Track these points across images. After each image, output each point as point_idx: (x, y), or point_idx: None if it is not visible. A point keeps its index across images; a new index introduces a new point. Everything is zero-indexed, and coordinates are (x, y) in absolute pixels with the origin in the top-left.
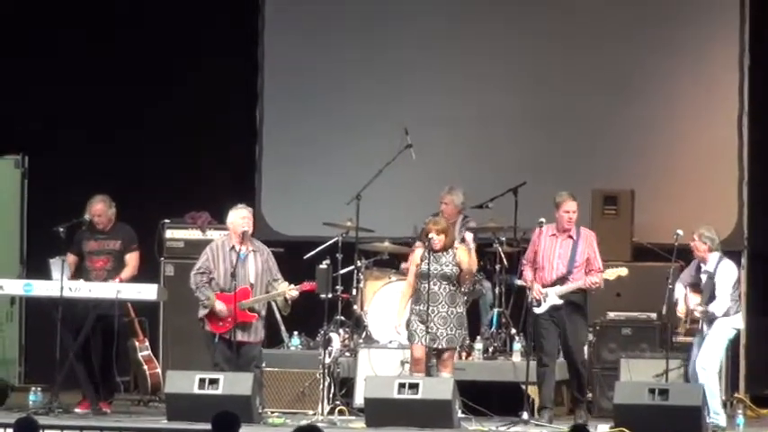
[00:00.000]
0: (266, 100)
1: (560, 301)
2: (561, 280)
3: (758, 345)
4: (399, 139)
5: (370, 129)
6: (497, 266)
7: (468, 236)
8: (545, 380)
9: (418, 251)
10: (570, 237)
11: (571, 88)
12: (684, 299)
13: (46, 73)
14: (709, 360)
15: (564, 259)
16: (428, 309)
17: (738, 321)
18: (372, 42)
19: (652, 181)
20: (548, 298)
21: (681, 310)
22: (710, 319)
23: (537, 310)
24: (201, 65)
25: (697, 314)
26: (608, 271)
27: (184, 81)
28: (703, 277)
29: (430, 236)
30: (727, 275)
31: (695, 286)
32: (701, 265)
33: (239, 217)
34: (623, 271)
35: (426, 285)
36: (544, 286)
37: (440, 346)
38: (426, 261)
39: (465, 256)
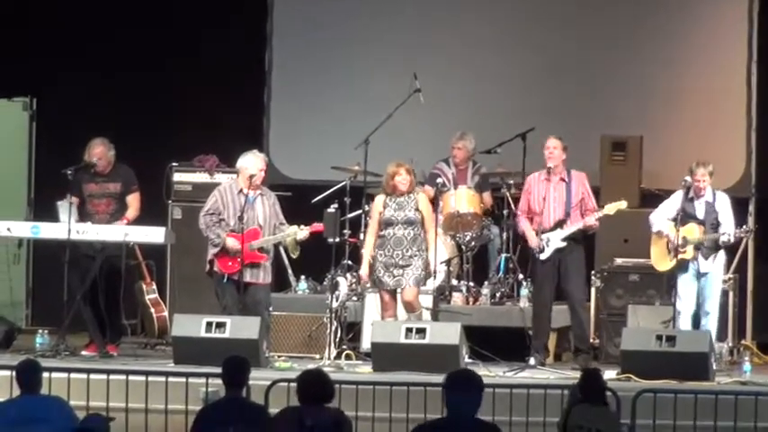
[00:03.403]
0: (275, 43)
1: (564, 244)
2: (560, 223)
3: (765, 292)
4: (408, 83)
5: (380, 73)
6: (505, 212)
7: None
8: (538, 327)
9: (379, 198)
10: (563, 179)
11: (581, 34)
12: (675, 229)
13: (55, 15)
14: (715, 304)
15: (560, 202)
16: (393, 253)
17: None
18: None
19: (661, 127)
20: (550, 243)
21: (673, 240)
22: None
23: (542, 256)
24: (210, 8)
25: (724, 240)
26: (608, 206)
27: (192, 24)
28: (699, 207)
29: (397, 179)
30: (728, 200)
31: (682, 220)
32: (695, 197)
33: (256, 167)
34: (622, 204)
35: (390, 231)
36: (543, 232)
37: (407, 286)
38: (390, 207)
39: (426, 203)
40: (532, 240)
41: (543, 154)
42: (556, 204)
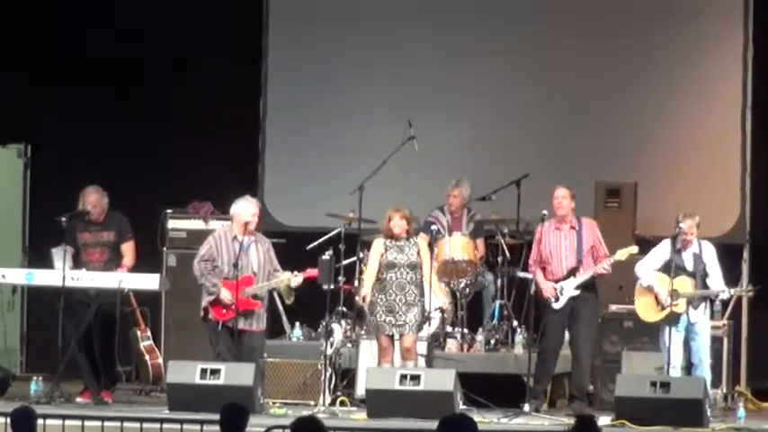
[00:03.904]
0: (270, 90)
1: (577, 292)
2: (572, 271)
3: (759, 338)
4: (402, 130)
5: (374, 120)
6: (500, 259)
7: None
8: (542, 374)
9: (379, 240)
10: (573, 228)
11: (574, 81)
12: (666, 284)
13: (48, 63)
14: (706, 352)
15: (571, 251)
16: (396, 298)
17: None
18: (377, 33)
19: (655, 174)
20: (564, 291)
21: (664, 296)
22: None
23: (556, 306)
24: (204, 54)
25: (723, 297)
26: (620, 252)
27: (187, 71)
28: (687, 258)
29: (392, 222)
30: (714, 251)
31: (670, 270)
32: (682, 249)
33: (249, 213)
34: (634, 249)
35: (392, 275)
36: (556, 281)
37: (409, 333)
38: (391, 250)
39: (426, 249)
40: (547, 290)
41: (540, 201)
42: (567, 253)
